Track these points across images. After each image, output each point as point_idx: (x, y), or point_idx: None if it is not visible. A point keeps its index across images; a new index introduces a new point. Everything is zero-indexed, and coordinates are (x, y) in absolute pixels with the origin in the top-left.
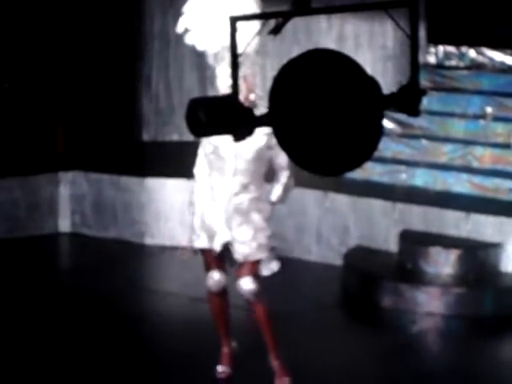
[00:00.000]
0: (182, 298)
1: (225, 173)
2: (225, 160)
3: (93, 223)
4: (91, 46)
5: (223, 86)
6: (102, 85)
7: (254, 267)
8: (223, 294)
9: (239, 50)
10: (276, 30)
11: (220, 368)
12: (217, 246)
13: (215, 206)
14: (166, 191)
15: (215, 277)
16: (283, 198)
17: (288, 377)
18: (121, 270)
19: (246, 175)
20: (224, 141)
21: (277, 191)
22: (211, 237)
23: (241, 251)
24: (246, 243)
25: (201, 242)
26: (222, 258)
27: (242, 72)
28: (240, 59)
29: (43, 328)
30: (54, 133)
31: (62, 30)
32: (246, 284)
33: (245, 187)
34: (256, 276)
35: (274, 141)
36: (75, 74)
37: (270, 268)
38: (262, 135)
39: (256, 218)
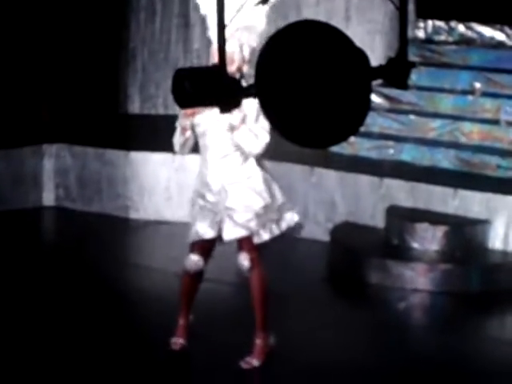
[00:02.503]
0: (167, 273)
1: (206, 149)
2: (203, 136)
3: (77, 197)
4: (76, 18)
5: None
6: (86, 57)
7: (249, 242)
8: (197, 277)
9: (227, 21)
10: (264, 0)
11: (174, 339)
12: (210, 232)
13: (205, 187)
14: (151, 165)
15: (193, 260)
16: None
17: (259, 361)
18: (105, 244)
19: (225, 146)
20: (202, 117)
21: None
22: (201, 225)
23: (228, 228)
24: (233, 219)
25: (196, 236)
26: (207, 243)
27: (240, 41)
28: (244, 26)
29: (26, 302)
30: (38, 105)
31: (46, 1)
32: (241, 260)
33: (226, 158)
34: (252, 251)
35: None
36: (60, 47)
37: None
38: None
39: (243, 189)
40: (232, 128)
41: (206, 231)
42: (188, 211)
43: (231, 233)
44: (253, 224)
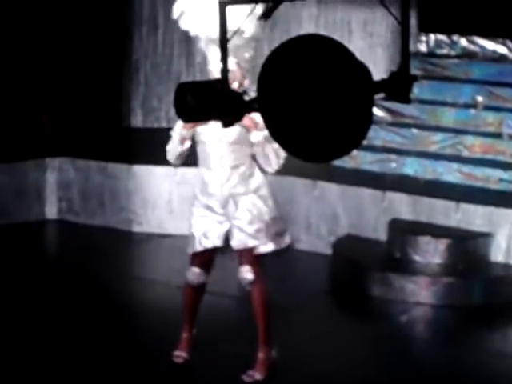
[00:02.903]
0: (169, 286)
1: (211, 158)
2: (207, 145)
3: (80, 210)
4: (79, 31)
5: (216, 70)
6: (89, 70)
7: (252, 255)
8: (199, 289)
9: (229, 35)
10: (266, 15)
11: (177, 352)
12: (215, 242)
13: (208, 197)
14: (154, 178)
15: (196, 272)
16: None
17: (262, 374)
18: (108, 257)
19: (232, 157)
20: (205, 126)
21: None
22: (205, 234)
23: (238, 238)
24: (243, 230)
25: (199, 246)
26: (209, 254)
27: (236, 58)
28: (234, 45)
29: (29, 315)
30: (40, 118)
31: (48, 13)
32: (244, 273)
33: (234, 169)
34: (255, 264)
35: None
36: (62, 60)
37: (279, 243)
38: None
39: (252, 200)
40: (252, 145)
41: (209, 241)
42: (190, 221)
43: (241, 242)
44: (262, 235)
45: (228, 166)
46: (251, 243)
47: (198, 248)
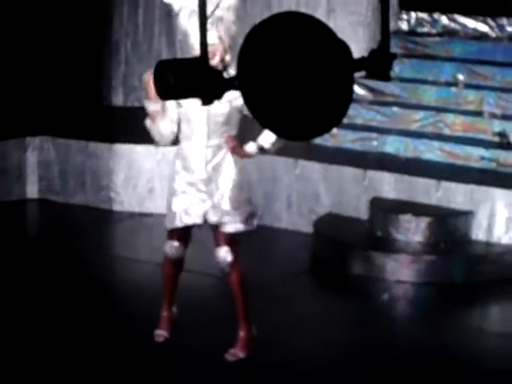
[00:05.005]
0: (151, 265)
1: (196, 136)
2: (194, 122)
3: (60, 189)
4: (59, 10)
5: (197, 43)
6: (70, 49)
7: (230, 236)
8: (178, 263)
9: (211, 8)
10: None
11: (158, 332)
12: (195, 219)
13: (191, 174)
14: (135, 157)
15: (174, 245)
16: (273, 144)
17: (244, 353)
18: (88, 236)
19: (219, 137)
20: (192, 103)
21: (266, 136)
22: (186, 211)
23: (216, 218)
24: (224, 209)
25: (179, 222)
26: (187, 229)
27: (218, 31)
28: (217, 17)
29: (9, 294)
30: (21, 98)
31: None
32: (222, 254)
33: (219, 148)
34: (233, 244)
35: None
36: (43, 39)
37: (235, 226)
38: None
39: (233, 179)
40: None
41: (190, 218)
42: (168, 197)
43: (220, 220)
44: (238, 213)
45: (214, 144)
46: (230, 224)
47: (179, 224)
